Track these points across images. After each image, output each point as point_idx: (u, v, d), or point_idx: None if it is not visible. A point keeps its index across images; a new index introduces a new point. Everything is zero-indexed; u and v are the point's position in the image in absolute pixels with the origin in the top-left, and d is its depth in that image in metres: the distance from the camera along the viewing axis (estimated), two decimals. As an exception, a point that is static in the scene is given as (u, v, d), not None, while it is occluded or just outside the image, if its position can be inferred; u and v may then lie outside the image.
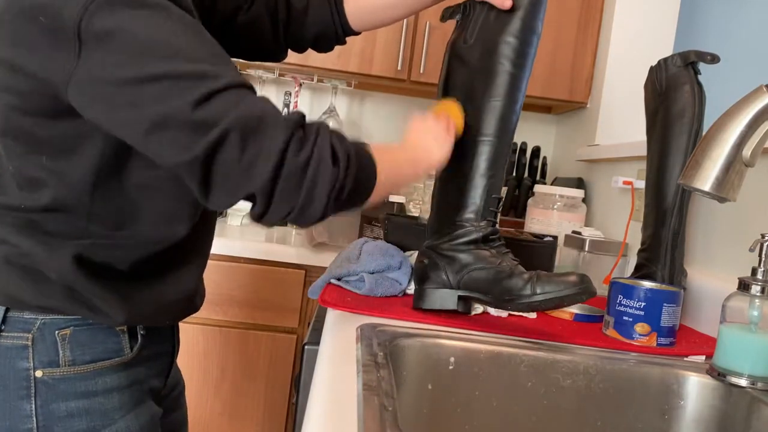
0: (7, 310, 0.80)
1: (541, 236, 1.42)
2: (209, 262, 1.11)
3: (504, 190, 2.12)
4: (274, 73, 2.34)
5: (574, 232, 1.53)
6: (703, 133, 1.00)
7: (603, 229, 1.82)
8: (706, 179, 0.77)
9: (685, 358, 0.95)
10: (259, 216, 0.73)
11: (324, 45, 1.10)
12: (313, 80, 2.38)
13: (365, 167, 0.77)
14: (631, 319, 0.99)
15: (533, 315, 1.08)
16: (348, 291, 1.08)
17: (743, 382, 0.84)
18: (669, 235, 1.18)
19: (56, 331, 0.81)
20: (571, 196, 1.71)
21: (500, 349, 0.88)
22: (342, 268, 1.12)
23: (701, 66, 1.18)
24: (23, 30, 0.70)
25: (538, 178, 2.38)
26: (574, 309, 1.14)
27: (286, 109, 2.48)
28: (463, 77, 0.98)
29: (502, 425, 0.88)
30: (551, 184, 2.25)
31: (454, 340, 0.88)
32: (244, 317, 1.83)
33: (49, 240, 0.79)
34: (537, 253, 1.37)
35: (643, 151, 1.33)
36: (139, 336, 0.87)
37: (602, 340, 0.98)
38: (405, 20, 2.13)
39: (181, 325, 1.01)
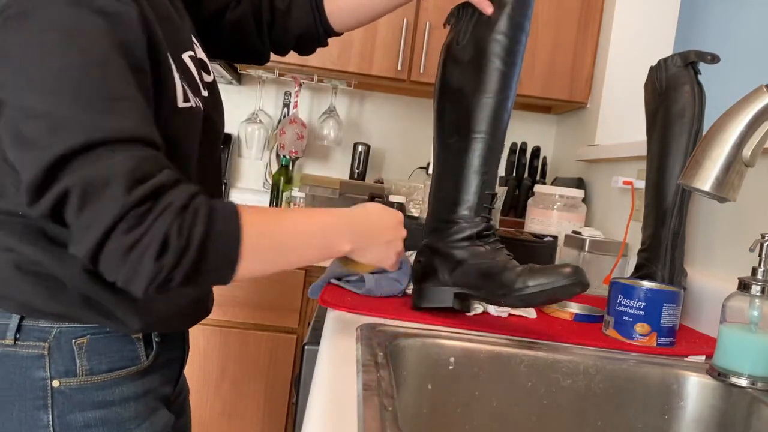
0: (21, 319, 0.78)
1: (541, 236, 1.43)
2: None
3: (504, 190, 2.12)
4: (274, 73, 2.34)
5: (574, 232, 1.53)
6: (703, 133, 1.00)
7: (603, 229, 1.82)
8: (706, 179, 0.77)
9: (685, 358, 0.95)
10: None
11: (306, 47, 1.10)
12: (313, 80, 2.38)
13: (217, 252, 0.69)
14: (631, 319, 0.99)
15: (533, 314, 1.08)
16: (348, 291, 1.08)
17: (743, 382, 0.84)
18: (669, 235, 1.18)
19: (73, 340, 0.79)
20: (571, 196, 1.71)
21: (500, 349, 0.88)
22: (342, 268, 1.12)
23: (701, 66, 1.18)
24: None
25: (538, 178, 2.38)
26: (574, 309, 1.14)
27: (285, 109, 2.49)
28: (457, 77, 0.99)
29: (502, 425, 0.88)
30: (551, 184, 2.25)
31: (454, 340, 0.88)
32: (244, 317, 1.84)
33: (55, 248, 0.77)
34: (537, 253, 1.38)
35: (643, 151, 1.33)
36: (154, 343, 0.86)
37: (602, 340, 0.98)
38: (405, 20, 2.13)
39: (181, 325, 1.01)
